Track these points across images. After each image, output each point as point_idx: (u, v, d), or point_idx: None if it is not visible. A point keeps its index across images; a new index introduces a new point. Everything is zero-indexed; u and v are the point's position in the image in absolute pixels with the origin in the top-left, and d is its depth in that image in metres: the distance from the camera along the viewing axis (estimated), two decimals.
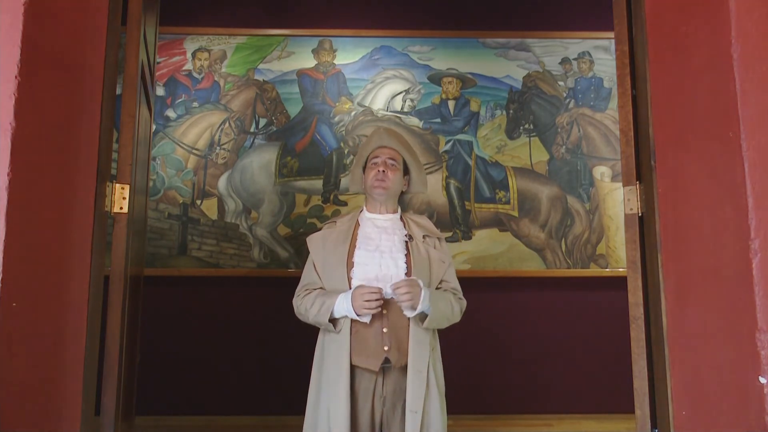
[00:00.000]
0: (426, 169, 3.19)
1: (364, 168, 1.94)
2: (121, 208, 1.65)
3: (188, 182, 3.20)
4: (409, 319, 1.72)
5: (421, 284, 1.69)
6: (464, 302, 1.87)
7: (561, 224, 3.27)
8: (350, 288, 1.73)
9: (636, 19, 1.71)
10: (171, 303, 3.11)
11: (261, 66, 3.32)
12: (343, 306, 1.69)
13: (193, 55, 3.31)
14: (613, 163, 3.33)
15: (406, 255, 1.80)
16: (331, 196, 3.23)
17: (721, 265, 1.22)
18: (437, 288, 1.84)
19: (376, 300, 1.65)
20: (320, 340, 1.82)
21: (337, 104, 3.31)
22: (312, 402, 1.77)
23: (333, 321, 1.73)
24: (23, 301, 1.14)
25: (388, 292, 1.71)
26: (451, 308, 1.78)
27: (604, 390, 3.14)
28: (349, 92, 3.33)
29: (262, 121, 3.28)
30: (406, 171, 1.95)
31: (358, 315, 1.67)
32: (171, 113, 3.25)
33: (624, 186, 1.70)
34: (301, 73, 3.33)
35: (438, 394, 1.73)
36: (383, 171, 1.84)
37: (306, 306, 1.77)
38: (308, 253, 1.89)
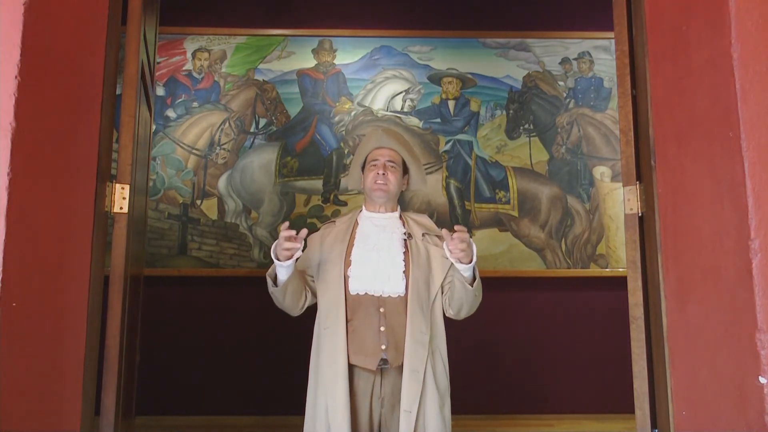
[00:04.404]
0: (426, 169, 3.19)
1: (363, 167, 1.93)
2: (121, 208, 1.65)
3: (188, 182, 3.20)
4: (406, 318, 1.70)
5: (473, 243, 1.66)
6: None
7: (561, 224, 3.27)
8: (346, 287, 1.72)
9: (636, 19, 1.71)
10: (171, 303, 3.11)
11: (261, 66, 3.32)
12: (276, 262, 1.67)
13: (193, 55, 3.31)
14: (613, 163, 3.33)
15: (404, 253, 1.79)
16: (331, 196, 3.23)
17: (721, 265, 1.22)
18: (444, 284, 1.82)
19: (293, 238, 1.60)
20: (316, 339, 1.80)
21: (337, 104, 3.31)
22: (310, 402, 1.75)
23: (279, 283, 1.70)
24: (23, 301, 1.13)
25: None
26: (480, 287, 1.76)
27: (604, 390, 3.14)
28: (349, 92, 3.33)
29: (262, 121, 3.28)
30: (405, 170, 1.94)
31: (279, 260, 1.64)
32: (171, 113, 3.25)
33: (624, 186, 1.70)
34: (301, 73, 3.33)
35: (437, 395, 1.69)
36: (383, 174, 1.83)
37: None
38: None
